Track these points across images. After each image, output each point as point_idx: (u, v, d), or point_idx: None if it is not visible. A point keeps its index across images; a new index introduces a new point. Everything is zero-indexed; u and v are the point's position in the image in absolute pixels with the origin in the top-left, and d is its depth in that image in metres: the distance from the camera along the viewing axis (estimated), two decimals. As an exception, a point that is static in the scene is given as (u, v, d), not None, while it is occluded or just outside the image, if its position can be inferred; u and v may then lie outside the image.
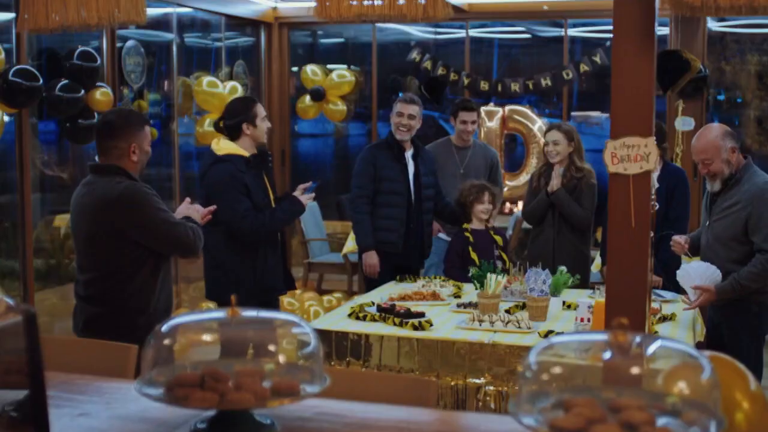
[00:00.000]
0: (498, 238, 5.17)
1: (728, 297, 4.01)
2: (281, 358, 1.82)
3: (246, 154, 4.41)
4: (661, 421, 1.55)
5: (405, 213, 5.20)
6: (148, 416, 1.92)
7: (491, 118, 7.56)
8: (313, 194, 4.58)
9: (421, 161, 5.29)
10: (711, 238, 4.15)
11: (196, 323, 1.88)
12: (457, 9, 7.25)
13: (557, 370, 1.63)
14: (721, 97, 8.12)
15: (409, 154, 5.26)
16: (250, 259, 4.42)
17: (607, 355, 1.65)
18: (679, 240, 4.29)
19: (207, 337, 1.85)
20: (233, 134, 4.46)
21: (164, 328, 1.83)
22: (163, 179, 6.84)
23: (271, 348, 1.82)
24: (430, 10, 3.73)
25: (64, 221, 6.27)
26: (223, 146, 4.44)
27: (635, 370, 1.62)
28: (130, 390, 1.99)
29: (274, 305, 4.68)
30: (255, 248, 4.43)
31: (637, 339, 1.66)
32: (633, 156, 2.99)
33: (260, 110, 4.49)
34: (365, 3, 3.77)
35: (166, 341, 1.82)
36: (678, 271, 4.09)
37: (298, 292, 6.98)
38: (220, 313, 1.83)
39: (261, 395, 1.72)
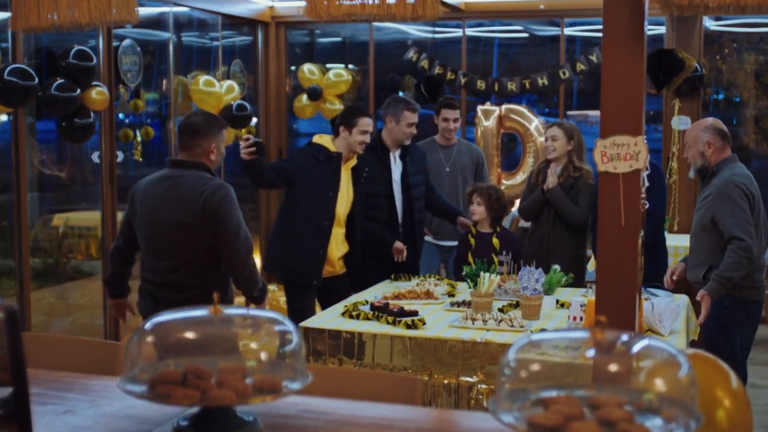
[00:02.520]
0: (495, 241, 5.11)
1: (722, 293, 4.11)
2: (263, 356, 1.84)
3: (332, 149, 4.80)
4: (639, 419, 1.56)
5: (389, 214, 5.17)
6: (133, 413, 1.93)
7: (488, 117, 7.54)
8: (250, 147, 4.52)
9: (410, 160, 5.25)
10: (693, 228, 4.38)
11: (179, 321, 1.88)
12: (453, 8, 7.25)
13: (536, 367, 1.64)
14: (720, 96, 8.12)
15: (396, 154, 5.23)
16: (286, 238, 4.78)
17: (587, 352, 1.66)
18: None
19: (190, 335, 1.86)
20: (334, 131, 4.91)
21: (147, 325, 1.85)
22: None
23: (254, 345, 1.83)
24: (420, 9, 3.74)
25: (62, 220, 6.28)
26: (319, 138, 4.91)
27: (613, 368, 1.63)
28: (116, 388, 2.00)
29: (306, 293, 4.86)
30: (293, 230, 4.75)
31: (616, 337, 1.67)
32: (623, 155, 3.01)
33: (364, 124, 4.78)
34: (355, 2, 3.78)
35: (149, 338, 1.83)
36: (645, 305, 4.03)
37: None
38: (203, 311, 1.84)
39: (243, 392, 1.73)
